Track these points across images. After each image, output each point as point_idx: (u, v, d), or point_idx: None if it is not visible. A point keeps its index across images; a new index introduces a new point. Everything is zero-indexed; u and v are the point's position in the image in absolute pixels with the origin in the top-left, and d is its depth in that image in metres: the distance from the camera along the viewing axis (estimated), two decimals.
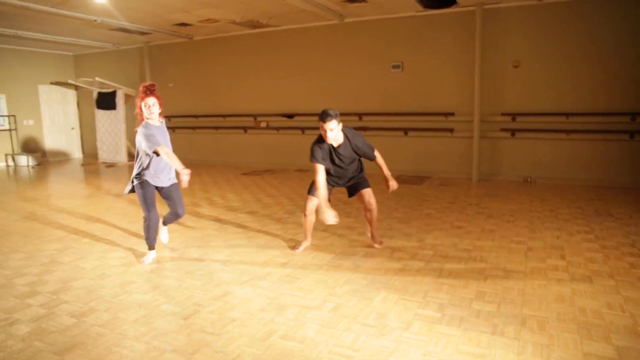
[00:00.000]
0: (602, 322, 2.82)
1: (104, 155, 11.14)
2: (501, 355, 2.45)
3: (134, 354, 2.50)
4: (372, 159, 4.09)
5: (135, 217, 5.65)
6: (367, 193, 4.13)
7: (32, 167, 10.68)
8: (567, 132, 7.34)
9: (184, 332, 2.74)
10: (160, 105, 3.85)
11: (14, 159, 10.98)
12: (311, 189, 4.07)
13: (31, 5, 6.97)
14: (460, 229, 4.90)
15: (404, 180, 7.93)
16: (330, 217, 3.59)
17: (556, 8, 7.19)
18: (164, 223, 4.32)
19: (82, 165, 10.98)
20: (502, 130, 7.78)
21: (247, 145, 10.31)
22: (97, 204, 6.51)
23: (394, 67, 8.40)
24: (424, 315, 2.91)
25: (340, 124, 3.78)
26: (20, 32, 9.44)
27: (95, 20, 8.05)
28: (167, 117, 11.13)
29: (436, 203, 6.17)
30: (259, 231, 4.92)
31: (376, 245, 4.35)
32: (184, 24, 9.00)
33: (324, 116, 3.67)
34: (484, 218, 5.37)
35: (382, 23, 8.42)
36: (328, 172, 3.97)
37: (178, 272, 3.75)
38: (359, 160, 4.14)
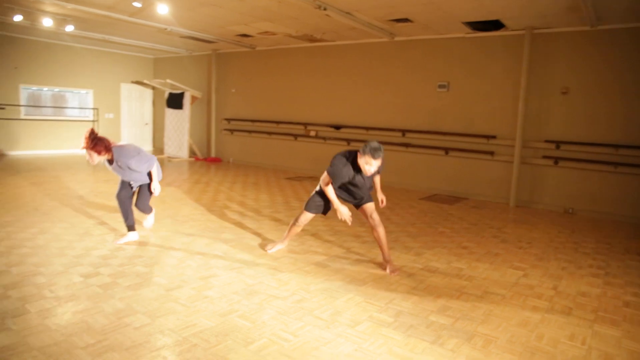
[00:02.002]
0: (553, 350, 2.85)
1: (169, 150, 12.17)
2: None
3: (113, 310, 2.96)
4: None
5: (169, 204, 6.27)
6: (370, 207, 4.05)
7: None
8: (616, 164, 7.02)
9: (160, 300, 3.17)
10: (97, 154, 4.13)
11: None
12: (309, 204, 4.17)
13: (111, 14, 7.96)
14: (465, 249, 4.96)
15: (438, 199, 7.97)
16: (346, 213, 3.84)
17: (610, 35, 6.95)
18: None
19: None
20: (545, 157, 7.59)
21: (296, 152, 10.80)
22: None
23: (440, 86, 8.49)
24: (377, 318, 3.10)
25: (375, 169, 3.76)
26: (107, 37, 10.68)
27: (166, 29, 8.95)
28: (228, 119, 11.96)
29: (456, 223, 6.20)
30: (271, 230, 5.29)
31: (388, 271, 4.04)
32: (245, 35, 9.70)
33: (375, 152, 3.56)
34: (496, 242, 5.36)
35: (431, 43, 8.56)
36: (343, 189, 4.01)
37: (182, 254, 4.22)
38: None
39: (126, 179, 4.45)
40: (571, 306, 3.57)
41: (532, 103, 7.60)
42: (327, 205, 4.17)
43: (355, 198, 4.09)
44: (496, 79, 7.93)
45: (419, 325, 3.03)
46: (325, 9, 6.52)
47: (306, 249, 4.61)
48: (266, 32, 9.13)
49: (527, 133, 7.66)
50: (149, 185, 4.58)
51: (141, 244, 4.49)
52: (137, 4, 6.48)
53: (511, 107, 7.78)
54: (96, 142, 4.09)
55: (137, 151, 4.34)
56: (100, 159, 4.16)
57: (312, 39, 9.62)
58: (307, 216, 4.22)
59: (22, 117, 11.41)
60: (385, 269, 4.11)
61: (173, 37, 10.27)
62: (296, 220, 4.30)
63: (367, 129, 9.39)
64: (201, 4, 7.10)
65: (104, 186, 7.47)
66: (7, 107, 11.05)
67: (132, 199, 4.60)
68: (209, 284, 3.52)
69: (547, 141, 7.55)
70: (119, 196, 4.49)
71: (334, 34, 8.90)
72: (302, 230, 5.33)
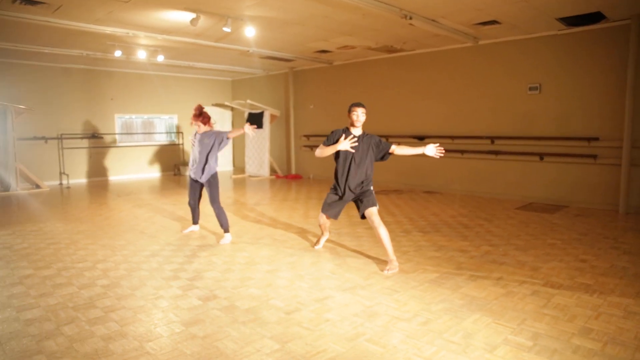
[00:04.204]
0: None
1: (250, 169, 12.47)
2: None
3: (239, 335, 2.95)
4: (392, 152, 4.44)
5: (265, 224, 6.35)
6: (368, 213, 4.38)
7: None
8: None
9: (284, 324, 3.13)
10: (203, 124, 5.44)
11: (179, 169, 12.94)
12: (323, 206, 4.70)
13: (199, 41, 8.33)
14: (584, 263, 4.54)
15: (536, 208, 7.47)
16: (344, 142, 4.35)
17: None
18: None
19: (231, 177, 12.44)
20: None
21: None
22: (235, 211, 7.42)
23: (531, 88, 8.02)
24: (514, 342, 2.86)
25: (364, 117, 4.40)
26: (192, 63, 11.22)
27: (248, 51, 9.22)
28: (307, 136, 12.08)
29: (564, 234, 5.75)
30: (373, 246, 5.17)
31: (385, 270, 4.24)
32: (324, 51, 9.77)
33: (353, 104, 4.42)
34: (618, 254, 4.88)
35: (519, 44, 8.13)
36: (342, 173, 4.50)
37: (291, 274, 4.20)
38: (371, 164, 4.52)
39: (195, 158, 5.40)
40: None
41: None
42: (337, 207, 4.62)
43: (354, 177, 4.43)
44: (596, 75, 7.35)
45: (564, 350, 2.76)
46: (410, 18, 6.38)
47: (414, 266, 4.44)
48: (345, 47, 9.14)
49: (638, 132, 7.00)
50: (210, 186, 5.36)
51: (248, 264, 4.53)
52: (227, 29, 6.70)
53: (616, 105, 7.16)
54: (203, 115, 5.41)
55: (219, 140, 5.37)
56: (204, 129, 5.41)
57: (391, 50, 9.50)
58: (322, 218, 4.76)
59: (118, 144, 12.22)
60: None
61: (252, 58, 10.57)
62: (318, 221, 4.89)
63: (453, 137, 9.06)
64: (285, 24, 7.22)
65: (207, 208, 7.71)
66: (104, 136, 11.89)
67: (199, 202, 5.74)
68: (327, 306, 3.44)
69: None
70: (189, 203, 5.75)
71: (414, 42, 8.73)
72: (405, 247, 5.18)
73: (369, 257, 4.76)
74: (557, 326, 3.09)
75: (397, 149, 4.44)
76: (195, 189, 5.60)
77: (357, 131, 4.49)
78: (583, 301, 3.54)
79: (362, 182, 4.48)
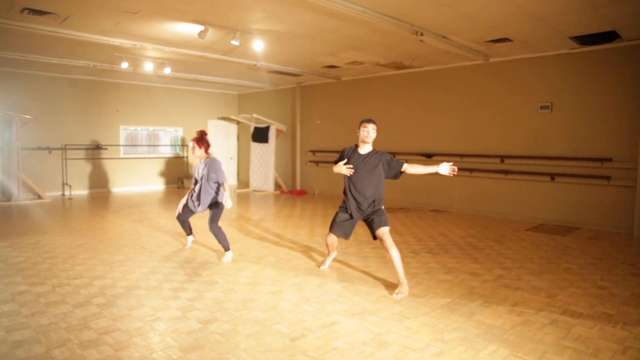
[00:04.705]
0: None
1: (254, 183, 12.32)
2: None
3: None
4: (404, 170, 4.29)
5: (270, 241, 6.17)
6: (380, 233, 4.18)
7: None
8: None
9: (288, 351, 2.94)
10: (198, 147, 5.13)
11: (183, 182, 12.82)
12: (331, 226, 4.50)
13: (207, 54, 8.26)
14: (603, 290, 4.33)
15: (547, 230, 7.26)
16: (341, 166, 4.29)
17: None
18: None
19: (235, 191, 12.29)
20: None
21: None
22: (239, 227, 7.25)
23: (542, 107, 7.87)
24: None
25: (374, 134, 4.29)
26: (198, 76, 11.17)
27: (256, 65, 9.14)
28: (312, 151, 11.95)
29: (579, 257, 5.54)
30: (380, 267, 4.97)
31: (394, 294, 4.06)
32: (332, 66, 9.69)
33: (364, 120, 4.30)
34: (638, 281, 4.66)
35: (530, 62, 8.01)
36: (351, 192, 4.33)
37: (296, 297, 4.01)
38: (381, 182, 4.34)
39: (196, 188, 5.19)
40: None
41: None
42: (348, 227, 4.44)
43: (365, 195, 4.27)
44: (609, 95, 7.19)
45: None
46: (421, 34, 6.27)
47: (425, 290, 4.24)
48: (354, 62, 9.05)
49: None
50: (212, 207, 5.15)
51: (252, 284, 4.34)
52: (235, 42, 6.61)
53: (630, 125, 6.99)
54: (203, 140, 5.13)
55: (221, 168, 5.10)
56: (199, 153, 5.12)
57: (400, 66, 9.40)
58: (331, 237, 4.56)
59: (122, 156, 12.12)
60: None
61: (259, 72, 10.50)
62: (326, 241, 4.67)
63: (462, 156, 8.90)
64: (294, 37, 7.13)
65: (202, 222, 7.55)
66: (109, 147, 11.80)
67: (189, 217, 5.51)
68: (334, 333, 3.25)
69: None
70: (178, 217, 5.46)
71: (424, 59, 8.62)
72: (414, 268, 4.98)
73: (377, 278, 4.57)
74: None
75: (409, 168, 4.28)
76: (188, 211, 5.38)
77: (367, 148, 4.36)
78: (606, 333, 3.33)
79: (374, 202, 4.31)
